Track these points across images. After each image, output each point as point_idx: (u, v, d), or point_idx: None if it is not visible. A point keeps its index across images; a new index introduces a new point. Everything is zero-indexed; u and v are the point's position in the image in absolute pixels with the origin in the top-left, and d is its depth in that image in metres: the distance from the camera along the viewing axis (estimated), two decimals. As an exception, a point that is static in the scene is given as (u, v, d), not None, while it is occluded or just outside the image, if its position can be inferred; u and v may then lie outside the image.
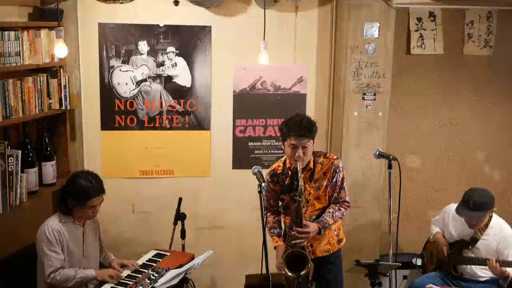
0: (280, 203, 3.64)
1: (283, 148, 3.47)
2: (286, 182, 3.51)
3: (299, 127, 3.33)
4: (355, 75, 4.24)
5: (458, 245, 3.82)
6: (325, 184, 3.48)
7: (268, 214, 3.66)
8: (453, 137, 4.78)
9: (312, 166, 3.46)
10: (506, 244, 3.69)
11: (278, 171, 3.56)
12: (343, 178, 3.51)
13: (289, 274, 3.32)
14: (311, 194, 3.48)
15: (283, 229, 3.67)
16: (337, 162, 3.50)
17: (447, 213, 3.94)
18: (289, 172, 3.50)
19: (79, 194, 3.24)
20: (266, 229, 3.63)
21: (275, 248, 3.59)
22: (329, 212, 3.48)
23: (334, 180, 3.47)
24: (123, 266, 3.47)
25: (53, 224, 3.25)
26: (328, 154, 3.56)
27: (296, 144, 3.32)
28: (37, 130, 3.76)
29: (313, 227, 3.39)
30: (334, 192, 3.50)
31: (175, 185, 4.33)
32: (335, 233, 3.60)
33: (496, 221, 3.76)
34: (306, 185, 3.43)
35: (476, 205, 3.60)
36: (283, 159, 3.60)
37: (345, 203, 3.55)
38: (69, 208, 3.29)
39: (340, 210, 3.51)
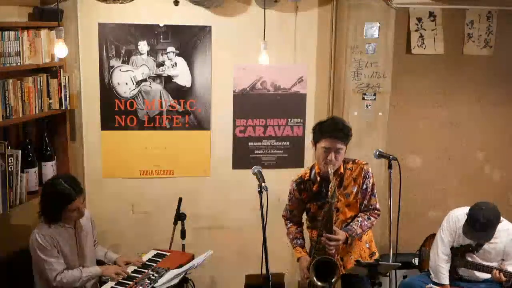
0: (304, 215, 3.49)
1: (314, 150, 3.31)
2: (314, 189, 3.34)
3: (335, 129, 3.20)
4: (355, 75, 4.24)
5: (462, 249, 3.79)
6: (355, 190, 3.31)
7: (290, 224, 3.54)
8: (453, 137, 4.77)
9: (342, 171, 3.30)
10: None
11: (306, 178, 3.39)
12: (373, 184, 3.35)
13: (319, 284, 3.14)
14: (341, 201, 3.30)
15: (305, 240, 3.52)
16: (367, 167, 3.33)
17: (455, 222, 3.80)
18: (317, 178, 3.33)
19: (59, 200, 3.17)
20: (288, 240, 3.55)
21: (298, 260, 3.45)
22: (358, 220, 3.31)
23: (365, 186, 3.31)
24: (128, 264, 3.46)
25: (43, 231, 3.20)
26: (356, 160, 3.38)
27: (329, 147, 3.17)
28: (37, 130, 3.76)
29: (342, 235, 3.21)
30: (364, 199, 3.34)
31: (175, 185, 4.33)
32: (367, 245, 3.45)
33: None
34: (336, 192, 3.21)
35: (482, 226, 3.56)
36: (310, 166, 3.46)
37: (376, 211, 3.37)
38: (55, 214, 3.22)
39: (369, 219, 3.33)
